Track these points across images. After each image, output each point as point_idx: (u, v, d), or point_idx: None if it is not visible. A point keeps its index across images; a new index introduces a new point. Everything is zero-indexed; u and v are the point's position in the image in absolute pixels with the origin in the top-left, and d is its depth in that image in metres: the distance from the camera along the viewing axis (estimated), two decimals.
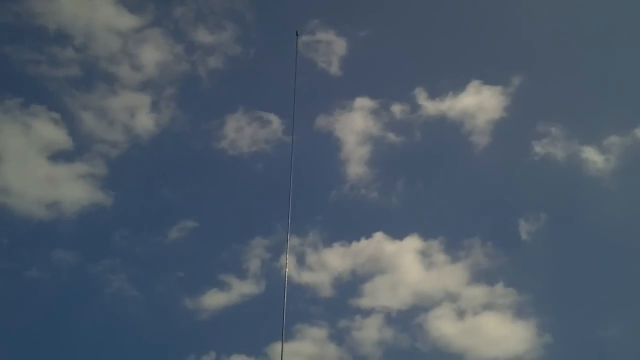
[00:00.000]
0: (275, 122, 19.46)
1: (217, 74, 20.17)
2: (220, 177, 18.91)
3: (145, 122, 18.95)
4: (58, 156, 17.99)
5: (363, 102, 20.04)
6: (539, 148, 19.24)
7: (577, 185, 18.74)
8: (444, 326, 16.26)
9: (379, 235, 17.69)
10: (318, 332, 16.04)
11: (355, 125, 19.73)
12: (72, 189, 17.52)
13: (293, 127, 5.50)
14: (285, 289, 4.30)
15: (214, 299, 16.37)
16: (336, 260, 17.39)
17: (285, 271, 4.43)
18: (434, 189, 19.00)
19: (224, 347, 15.35)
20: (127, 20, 19.89)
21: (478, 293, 16.80)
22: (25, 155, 17.88)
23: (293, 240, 16.32)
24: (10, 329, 15.23)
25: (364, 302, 16.67)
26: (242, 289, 16.57)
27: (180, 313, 16.26)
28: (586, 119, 19.80)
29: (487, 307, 16.60)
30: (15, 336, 15.23)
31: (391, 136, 19.64)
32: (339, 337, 16.05)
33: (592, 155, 18.77)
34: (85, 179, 17.70)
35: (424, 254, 17.54)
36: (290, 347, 15.46)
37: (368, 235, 17.80)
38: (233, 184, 18.83)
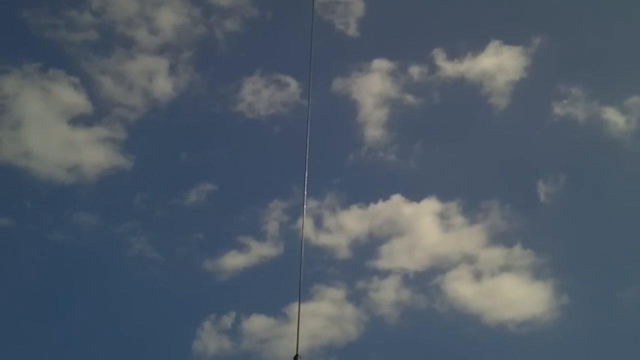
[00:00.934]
0: (293, 84, 19.40)
1: (234, 37, 20.06)
2: (238, 141, 19.00)
3: (163, 86, 19.00)
4: (78, 120, 18.15)
5: (381, 64, 19.83)
6: (559, 109, 19.05)
7: (597, 147, 18.57)
8: (461, 288, 16.35)
9: (396, 198, 17.73)
10: (336, 293, 16.22)
11: (373, 88, 19.61)
12: (93, 153, 17.71)
13: (309, 89, 5.50)
14: (302, 253, 4.36)
15: (233, 261, 16.58)
16: (353, 222, 17.47)
17: (302, 234, 4.49)
18: (452, 151, 18.92)
19: (244, 308, 15.61)
20: None
21: (495, 255, 16.84)
22: (45, 120, 18.05)
23: (311, 203, 16.43)
24: (34, 291, 15.58)
25: (381, 263, 16.79)
26: (260, 250, 16.75)
27: (200, 274, 16.52)
28: (607, 80, 19.48)
29: (505, 268, 16.65)
30: (38, 298, 15.59)
31: (409, 98, 19.52)
32: (356, 298, 16.21)
33: (612, 116, 18.53)
34: (105, 143, 17.86)
35: (442, 216, 17.56)
36: (308, 307, 15.71)
37: (385, 198, 17.84)
38: (251, 147, 18.91)
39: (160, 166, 18.37)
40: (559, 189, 17.81)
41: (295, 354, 4.09)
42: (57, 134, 17.89)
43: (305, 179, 4.60)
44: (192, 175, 18.04)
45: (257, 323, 15.48)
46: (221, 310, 15.68)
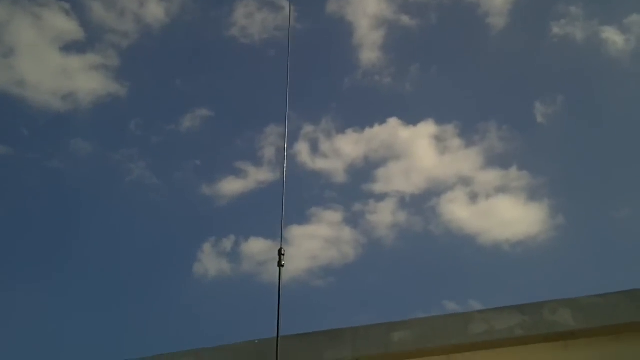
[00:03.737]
0: (287, 7, 19.03)
1: None
2: (232, 65, 18.77)
3: (155, 11, 18.61)
4: (70, 47, 17.88)
5: None
6: (557, 29, 18.71)
7: (595, 67, 18.36)
8: (457, 210, 16.54)
9: (393, 121, 17.68)
10: (333, 216, 16.42)
11: (368, 9, 19.23)
12: (87, 80, 17.55)
13: (290, 13, 5.38)
14: (284, 183, 4.40)
15: (231, 186, 16.71)
16: (350, 146, 17.51)
17: (284, 166, 4.50)
18: (449, 73, 18.72)
19: (242, 231, 15.83)
20: None
21: (492, 177, 16.95)
22: (38, 47, 17.78)
23: (306, 128, 16.42)
24: (34, 219, 15.80)
25: (378, 187, 16.91)
26: (258, 176, 16.84)
27: (198, 200, 16.69)
28: None
29: (501, 190, 16.79)
30: (39, 226, 15.82)
31: (405, 19, 19.16)
32: (353, 220, 16.43)
33: (612, 36, 18.23)
34: (98, 69, 17.67)
35: (438, 139, 17.57)
36: (306, 230, 15.93)
37: (382, 122, 17.83)
38: (245, 71, 18.70)
39: (155, 92, 18.24)
40: (557, 109, 17.75)
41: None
42: (50, 62, 17.68)
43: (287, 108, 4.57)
44: (187, 101, 17.94)
45: (255, 246, 15.75)
46: (220, 234, 15.97)
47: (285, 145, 4.51)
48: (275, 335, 4.07)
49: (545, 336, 4.70)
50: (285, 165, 4.51)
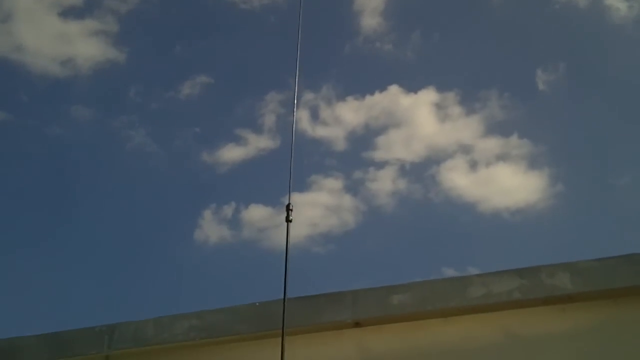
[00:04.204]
0: None
1: None
2: (232, 32, 18.62)
3: None
4: (68, 12, 17.74)
5: None
6: None
7: (598, 34, 18.22)
8: (456, 177, 16.56)
9: (393, 89, 17.59)
10: (334, 183, 16.45)
11: None
12: (85, 46, 17.43)
13: None
14: (293, 147, 4.40)
15: (231, 153, 16.70)
16: (350, 114, 17.47)
17: (293, 130, 4.51)
18: (450, 40, 18.57)
19: (243, 198, 15.87)
20: None
21: (492, 145, 16.93)
22: (36, 12, 17.61)
23: (307, 95, 16.34)
24: (35, 186, 15.81)
25: (378, 154, 16.91)
26: (258, 143, 16.82)
27: (199, 167, 16.70)
28: None
29: (501, 158, 16.79)
30: (39, 192, 15.84)
31: None
32: (353, 188, 16.46)
33: (615, 2, 18.08)
34: (97, 35, 17.53)
35: (439, 107, 17.52)
36: (306, 197, 15.94)
37: (382, 89, 17.72)
38: (245, 38, 18.56)
39: (154, 59, 18.12)
40: (558, 77, 17.67)
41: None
42: (48, 27, 17.53)
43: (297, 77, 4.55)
44: (186, 68, 17.84)
45: (256, 213, 15.81)
46: (221, 201, 16.00)
47: (295, 99, 4.48)
48: (283, 296, 4.08)
49: (543, 299, 4.74)
50: (294, 118, 4.49)
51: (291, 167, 4.54)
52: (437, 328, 4.90)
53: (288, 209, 4.37)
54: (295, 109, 4.74)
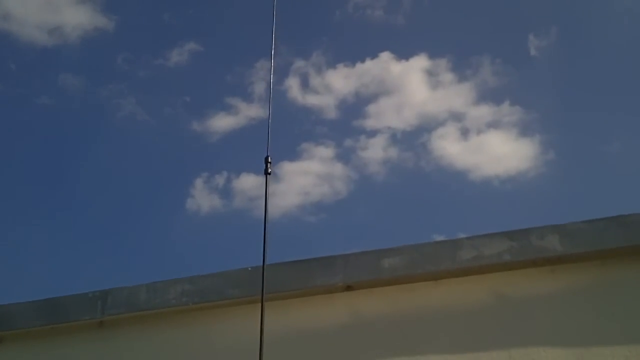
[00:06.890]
0: None
1: None
2: None
3: None
4: None
5: None
6: None
7: None
8: (448, 145, 16.63)
9: (384, 55, 17.55)
10: (325, 152, 16.48)
11: None
12: (73, 14, 17.27)
13: None
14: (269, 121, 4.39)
15: (221, 122, 16.69)
16: (341, 81, 17.41)
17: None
18: (442, 6, 18.48)
19: (234, 167, 15.91)
20: None
21: (483, 112, 16.97)
22: None
23: (297, 62, 16.25)
24: (26, 156, 15.75)
25: (369, 123, 16.93)
26: (248, 111, 16.78)
27: (190, 136, 16.69)
28: None
29: (492, 125, 16.84)
30: (29, 162, 15.79)
31: None
32: (345, 156, 16.49)
33: None
34: (85, 3, 17.39)
35: (431, 74, 17.49)
36: (298, 166, 15.97)
37: (373, 56, 17.67)
38: (235, 5, 18.37)
39: (142, 26, 17.96)
40: (550, 42, 17.63)
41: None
42: None
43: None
44: (175, 35, 17.70)
45: (247, 182, 15.84)
46: (212, 170, 16.01)
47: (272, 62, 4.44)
48: (262, 259, 4.07)
49: (533, 261, 4.79)
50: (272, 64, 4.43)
51: (269, 118, 4.48)
52: (428, 291, 4.94)
53: (267, 161, 4.34)
54: (271, 74, 4.67)
